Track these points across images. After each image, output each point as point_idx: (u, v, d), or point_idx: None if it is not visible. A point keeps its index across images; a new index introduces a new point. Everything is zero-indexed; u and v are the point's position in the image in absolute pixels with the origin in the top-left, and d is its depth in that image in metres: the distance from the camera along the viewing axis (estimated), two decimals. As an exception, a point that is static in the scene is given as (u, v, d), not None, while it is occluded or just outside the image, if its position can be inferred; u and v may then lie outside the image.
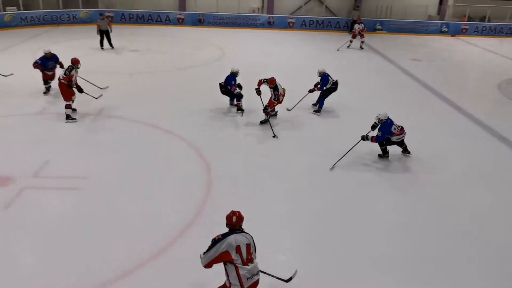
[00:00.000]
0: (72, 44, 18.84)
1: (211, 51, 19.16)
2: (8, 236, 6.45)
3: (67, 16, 23.14)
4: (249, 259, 4.65)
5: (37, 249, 6.28)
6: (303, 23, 25.51)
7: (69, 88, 10.46)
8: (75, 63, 10.69)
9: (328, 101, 11.88)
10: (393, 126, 8.80)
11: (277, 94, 10.47)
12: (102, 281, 5.54)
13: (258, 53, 19.22)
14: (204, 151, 9.25)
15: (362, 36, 20.58)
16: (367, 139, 8.92)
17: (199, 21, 24.72)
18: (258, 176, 8.46)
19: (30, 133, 9.93)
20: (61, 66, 11.99)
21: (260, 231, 5.46)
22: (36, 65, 11.90)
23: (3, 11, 21.37)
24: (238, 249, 4.61)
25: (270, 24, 25.21)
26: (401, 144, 9.22)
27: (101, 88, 12.08)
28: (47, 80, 12.32)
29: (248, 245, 4.69)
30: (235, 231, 4.76)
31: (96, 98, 11.24)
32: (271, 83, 10.45)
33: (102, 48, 18.39)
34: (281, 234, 6.80)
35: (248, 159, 9.16)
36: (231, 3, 25.10)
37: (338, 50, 20.33)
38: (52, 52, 12.18)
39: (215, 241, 4.66)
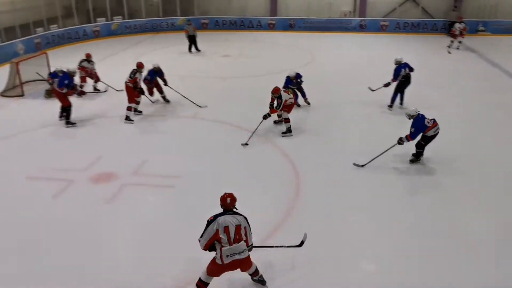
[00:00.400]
0: (169, 50, 19.98)
1: (301, 55, 19.19)
2: (109, 228, 6.97)
3: (166, 23, 24.57)
4: (236, 239, 4.97)
5: (135, 241, 6.70)
6: (397, 26, 24.59)
7: (134, 90, 11.14)
8: (139, 67, 11.33)
9: (425, 103, 11.22)
10: (426, 120, 8.44)
11: (280, 103, 10.07)
12: (194, 277, 5.76)
13: (349, 57, 18.89)
14: (292, 154, 9.28)
15: (462, 35, 19.33)
16: (402, 141, 8.53)
17: (290, 26, 24.89)
18: (343, 178, 8.29)
19: (132, 134, 10.66)
20: (165, 83, 12.35)
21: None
22: (146, 81, 11.88)
23: (111, 20, 23.22)
24: (226, 229, 4.93)
25: (362, 28, 24.64)
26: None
27: (200, 107, 12.29)
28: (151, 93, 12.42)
29: (237, 226, 4.99)
30: (227, 212, 5.09)
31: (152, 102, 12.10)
32: (276, 92, 10.14)
33: (190, 52, 19.47)
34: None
35: (334, 161, 9.00)
36: (322, 7, 24.95)
37: (449, 53, 19.16)
38: (145, 59, 12.84)
39: (208, 223, 5.01)
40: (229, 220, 4.99)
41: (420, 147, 8.76)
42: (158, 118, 11.53)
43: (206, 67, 16.99)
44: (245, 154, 9.50)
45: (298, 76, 11.85)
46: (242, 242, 5.01)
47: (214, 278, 5.29)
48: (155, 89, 12.32)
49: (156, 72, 12.07)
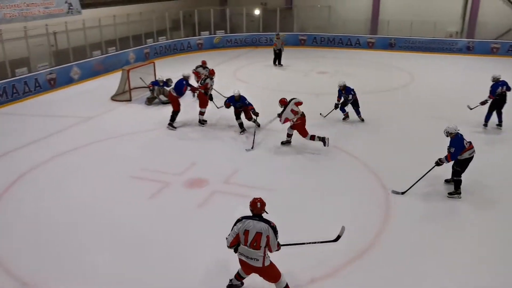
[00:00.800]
0: (266, 64, 20.38)
1: (400, 75, 18.54)
2: (198, 232, 7.22)
3: (265, 38, 25.17)
4: (253, 246, 5.00)
5: (220, 247, 6.86)
6: (510, 49, 22.77)
7: (205, 96, 11.68)
8: (211, 74, 11.96)
9: None
10: (465, 141, 7.89)
11: (282, 112, 10.21)
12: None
13: (453, 80, 17.85)
14: (382, 174, 8.95)
15: None
16: (442, 162, 7.98)
17: (390, 45, 24.21)
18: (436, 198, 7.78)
19: (225, 143, 11.00)
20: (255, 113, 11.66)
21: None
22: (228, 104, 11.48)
23: (214, 34, 24.35)
24: (246, 233, 5.01)
25: (469, 49, 23.21)
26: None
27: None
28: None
29: (258, 233, 4.98)
30: (255, 216, 5.11)
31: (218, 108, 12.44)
32: (282, 103, 10.30)
33: (275, 65, 19.81)
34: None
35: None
36: (426, 27, 23.94)
37: None
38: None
39: (236, 222, 5.13)
40: (252, 225, 5.04)
41: (457, 174, 8.10)
42: (249, 129, 11.78)
43: (301, 83, 17.06)
44: (334, 169, 9.36)
45: (348, 90, 12.05)
46: (257, 252, 5.04)
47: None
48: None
49: (237, 101, 11.24)
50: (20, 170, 9.38)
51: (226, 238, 5.21)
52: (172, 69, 17.39)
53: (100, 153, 10.45)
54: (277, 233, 5.12)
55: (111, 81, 15.92)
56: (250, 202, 5.24)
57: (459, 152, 7.87)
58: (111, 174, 9.26)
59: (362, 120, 12.40)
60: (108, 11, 20.40)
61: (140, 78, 15.08)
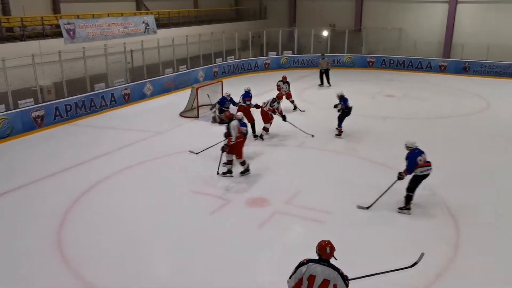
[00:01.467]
0: (332, 86, 20.27)
1: (473, 101, 17.66)
2: (255, 250, 7.23)
3: (332, 60, 25.06)
4: None
5: (278, 268, 6.81)
6: None
7: (269, 115, 12.43)
8: (279, 98, 12.71)
9: None
10: (419, 157, 8.04)
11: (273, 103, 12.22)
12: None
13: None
14: (452, 206, 8.51)
15: None
16: (401, 175, 8.20)
17: (464, 69, 23.18)
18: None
19: (292, 164, 11.00)
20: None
21: None
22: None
23: (281, 54, 24.64)
24: (310, 278, 4.44)
25: (552, 76, 21.68)
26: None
27: (309, 134, 12.81)
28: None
29: (325, 281, 4.42)
30: (323, 261, 4.55)
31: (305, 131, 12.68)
32: (280, 97, 12.60)
33: (321, 85, 19.88)
34: None
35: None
36: (503, 50, 22.71)
37: None
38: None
39: (299, 264, 4.58)
40: (320, 271, 4.48)
41: (409, 189, 8.28)
42: (312, 149, 11.70)
43: (367, 105, 16.74)
44: (395, 195, 9.02)
45: (344, 100, 12.55)
46: None
47: None
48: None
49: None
50: (94, 179, 9.93)
51: (288, 281, 4.68)
52: (238, 87, 17.75)
53: (167, 167, 10.84)
54: (348, 282, 4.59)
55: (181, 98, 16.53)
56: (318, 246, 4.69)
57: (411, 167, 8.05)
58: (175, 187, 9.56)
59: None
60: (181, 31, 21.36)
61: (208, 94, 15.53)
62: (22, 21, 16.65)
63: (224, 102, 13.94)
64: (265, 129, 12.58)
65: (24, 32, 16.68)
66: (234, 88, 16.63)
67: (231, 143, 9.69)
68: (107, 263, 6.92)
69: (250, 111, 12.65)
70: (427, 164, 8.17)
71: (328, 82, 20.19)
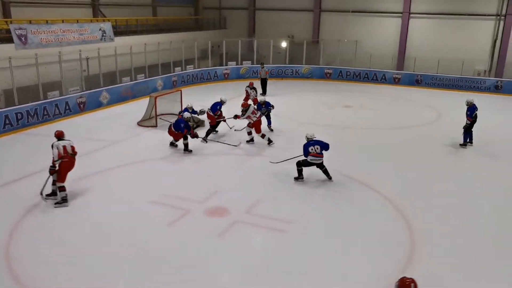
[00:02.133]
0: (291, 96, 20.54)
1: (425, 112, 18.36)
2: (216, 262, 7.13)
3: (291, 70, 25.42)
4: None
5: (241, 278, 6.75)
6: (540, 90, 22.36)
7: (258, 122, 12.85)
8: (254, 102, 14.21)
9: None
10: (311, 147, 9.95)
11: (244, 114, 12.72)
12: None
13: (480, 119, 17.51)
14: (407, 212, 8.74)
15: None
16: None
17: (417, 81, 24.10)
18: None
19: (249, 172, 10.97)
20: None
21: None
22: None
23: (240, 65, 24.71)
24: None
25: (497, 89, 22.88)
26: (321, 167, 10.14)
27: (235, 146, 12.93)
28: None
29: None
30: None
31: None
32: (244, 106, 13.16)
33: (263, 94, 20.14)
34: None
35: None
36: (453, 64, 23.81)
37: None
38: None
39: None
40: None
41: (299, 165, 10.21)
42: (268, 158, 11.74)
43: (325, 116, 17.04)
44: (355, 203, 9.20)
45: (268, 104, 14.06)
46: None
47: None
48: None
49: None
50: (46, 190, 9.49)
51: None
52: (198, 97, 17.67)
53: (123, 177, 10.56)
54: None
55: (138, 107, 16.21)
56: (401, 282, 4.59)
57: (305, 152, 9.99)
58: (133, 198, 9.31)
59: (272, 130, 14.18)
60: (139, 39, 21.02)
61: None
62: (-31, 25, 15.91)
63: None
64: (262, 136, 12.90)
65: (-30, 37, 15.92)
66: (193, 97, 16.52)
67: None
68: (60, 279, 6.61)
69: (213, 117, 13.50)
70: (318, 155, 10.00)
71: (264, 91, 20.50)
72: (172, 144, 12.60)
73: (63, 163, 8.82)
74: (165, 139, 13.26)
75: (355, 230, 8.28)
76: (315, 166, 10.14)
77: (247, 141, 13.11)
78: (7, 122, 13.59)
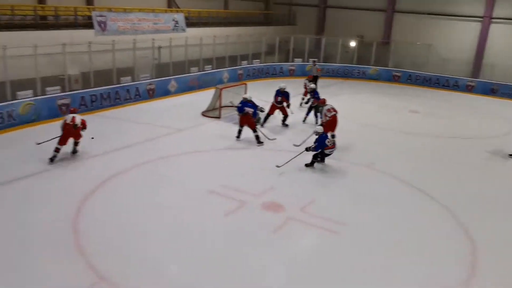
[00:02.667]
0: (355, 97, 20.16)
1: (499, 123, 17.33)
2: (267, 257, 7.20)
3: (358, 71, 24.93)
4: None
5: (285, 276, 6.79)
6: None
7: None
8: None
9: None
10: (327, 140, 10.42)
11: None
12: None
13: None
14: (468, 223, 8.35)
15: None
16: (309, 149, 10.64)
17: (492, 90, 22.74)
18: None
19: (308, 171, 10.92)
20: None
21: None
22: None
23: (306, 62, 24.54)
24: None
25: None
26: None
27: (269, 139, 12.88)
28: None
29: None
30: None
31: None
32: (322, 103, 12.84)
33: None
34: None
35: None
36: (535, 74, 22.25)
37: None
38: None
39: None
40: None
41: (316, 157, 10.78)
42: (333, 161, 11.61)
43: (390, 120, 16.57)
44: (412, 210, 8.91)
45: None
46: None
47: None
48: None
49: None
50: (113, 170, 10.04)
51: None
52: (262, 91, 17.79)
53: (184, 165, 10.90)
54: None
55: (204, 97, 16.61)
56: None
57: (319, 148, 10.50)
58: (192, 186, 9.59)
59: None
60: (209, 31, 21.51)
61: (230, 102, 15.49)
62: (56, 10, 16.99)
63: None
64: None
65: (57, 21, 17.00)
66: (257, 91, 16.69)
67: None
68: (120, 257, 6.96)
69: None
70: (333, 146, 10.62)
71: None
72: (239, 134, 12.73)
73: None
74: (228, 130, 13.53)
75: (411, 238, 8.03)
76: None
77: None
78: (83, 103, 14.44)
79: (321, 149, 10.57)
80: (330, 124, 12.21)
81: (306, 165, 10.88)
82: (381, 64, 25.15)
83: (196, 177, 10.12)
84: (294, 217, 8.46)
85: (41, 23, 16.64)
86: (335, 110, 12.45)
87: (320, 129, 10.91)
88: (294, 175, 10.60)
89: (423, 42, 25.33)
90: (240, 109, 12.45)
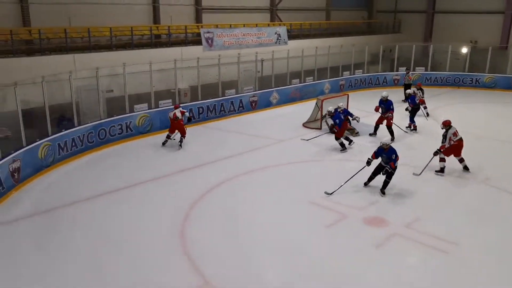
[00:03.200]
0: (468, 106, 18.76)
1: None
2: (369, 273, 6.95)
3: (470, 79, 23.18)
4: None
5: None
6: None
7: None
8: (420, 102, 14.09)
9: None
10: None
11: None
12: None
13: None
14: None
15: None
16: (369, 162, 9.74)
17: None
18: None
19: (414, 186, 10.40)
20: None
21: None
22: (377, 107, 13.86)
23: (413, 71, 23.44)
24: None
25: None
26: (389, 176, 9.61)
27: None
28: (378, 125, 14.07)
29: None
30: None
31: None
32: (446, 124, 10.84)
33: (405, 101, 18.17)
34: None
35: None
36: None
37: None
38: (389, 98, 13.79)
39: None
40: None
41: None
42: (443, 176, 10.89)
43: (508, 130, 15.10)
44: None
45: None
46: None
47: None
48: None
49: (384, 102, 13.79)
50: (218, 179, 10.48)
51: None
52: (364, 102, 17.37)
53: (286, 175, 11.00)
54: None
55: (305, 109, 16.66)
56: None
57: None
58: (293, 196, 9.64)
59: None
60: (311, 43, 21.61)
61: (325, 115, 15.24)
62: (169, 29, 18.33)
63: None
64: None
65: (169, 39, 18.33)
66: (359, 102, 16.33)
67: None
68: (224, 263, 7.22)
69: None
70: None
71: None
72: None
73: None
74: (328, 142, 13.39)
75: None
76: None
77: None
78: (191, 115, 15.30)
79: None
80: (454, 149, 10.79)
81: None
82: (497, 71, 23.10)
83: (297, 187, 10.15)
84: (399, 233, 8.09)
85: (156, 42, 18.06)
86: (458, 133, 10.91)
87: (388, 140, 9.82)
88: (398, 190, 10.13)
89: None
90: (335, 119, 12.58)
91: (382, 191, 9.62)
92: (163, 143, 12.86)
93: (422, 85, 17.60)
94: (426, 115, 16.52)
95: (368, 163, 9.82)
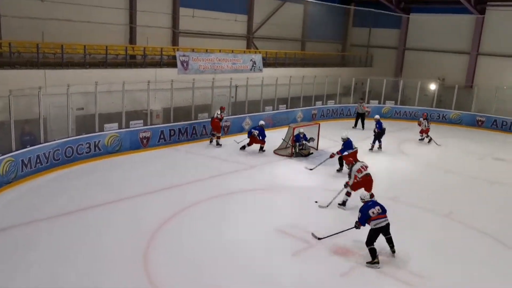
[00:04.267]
0: (435, 140, 19.30)
1: None
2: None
3: (438, 114, 23.91)
4: None
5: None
6: None
7: None
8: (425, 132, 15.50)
9: None
10: (372, 210, 8.18)
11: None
12: None
13: None
14: None
15: None
16: (356, 225, 8.45)
17: None
18: None
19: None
20: None
21: None
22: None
23: (383, 104, 24.07)
24: None
25: None
26: (386, 232, 8.26)
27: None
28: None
29: None
30: None
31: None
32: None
33: (354, 127, 20.55)
34: None
35: None
36: None
37: None
38: None
39: None
40: None
41: (368, 243, 8.09)
42: (409, 209, 11.05)
43: (473, 167, 15.56)
44: (493, 268, 8.12)
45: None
46: None
47: None
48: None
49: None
50: (185, 203, 10.32)
51: None
52: (334, 132, 17.64)
53: (254, 202, 10.95)
54: None
55: (276, 136, 16.76)
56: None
57: (363, 219, 8.25)
58: (260, 223, 9.57)
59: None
60: (285, 71, 21.92)
61: (311, 138, 15.63)
62: (144, 50, 18.29)
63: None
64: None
65: (144, 60, 18.27)
66: (330, 132, 16.54)
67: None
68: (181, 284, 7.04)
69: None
70: (381, 216, 8.20)
71: (362, 126, 20.92)
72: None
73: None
74: (299, 169, 13.47)
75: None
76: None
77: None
78: (162, 136, 15.20)
79: (363, 224, 8.39)
80: (362, 184, 10.48)
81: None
82: (463, 108, 23.94)
83: (265, 214, 10.09)
84: (364, 263, 8.09)
85: (130, 62, 17.95)
86: (365, 168, 10.66)
87: (364, 195, 8.74)
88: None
89: (511, 86, 23.87)
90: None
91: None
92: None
93: (426, 116, 19.16)
94: (436, 143, 18.19)
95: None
